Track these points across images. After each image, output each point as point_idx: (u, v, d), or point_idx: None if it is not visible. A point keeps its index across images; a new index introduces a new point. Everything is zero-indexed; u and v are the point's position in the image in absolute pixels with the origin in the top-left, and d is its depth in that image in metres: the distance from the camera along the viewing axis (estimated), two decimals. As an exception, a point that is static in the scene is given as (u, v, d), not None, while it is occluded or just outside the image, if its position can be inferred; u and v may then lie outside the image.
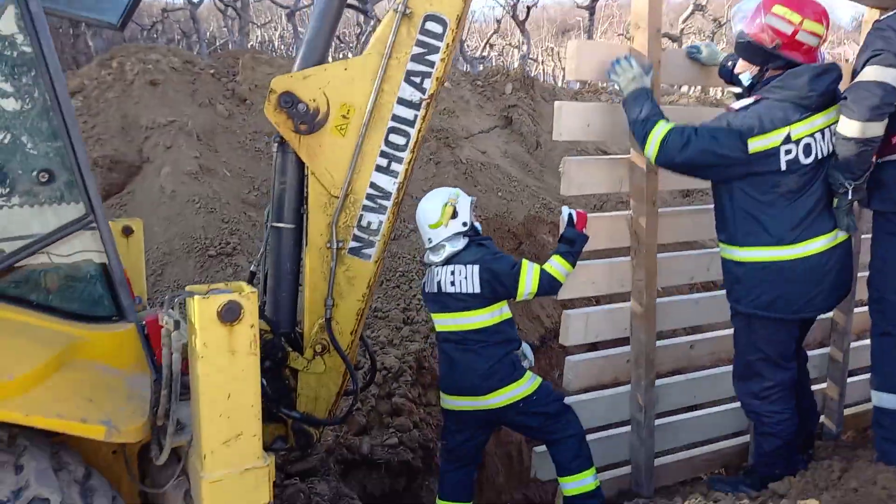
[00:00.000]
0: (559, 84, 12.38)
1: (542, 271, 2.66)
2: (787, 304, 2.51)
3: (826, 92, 2.42)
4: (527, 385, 2.73)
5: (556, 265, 2.66)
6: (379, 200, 2.65)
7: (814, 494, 2.39)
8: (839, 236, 2.50)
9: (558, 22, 30.36)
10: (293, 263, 2.64)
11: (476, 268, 2.70)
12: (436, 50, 2.53)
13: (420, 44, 2.52)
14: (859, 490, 2.25)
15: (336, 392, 2.72)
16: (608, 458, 3.11)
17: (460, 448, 2.89)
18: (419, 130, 2.62)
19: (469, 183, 6.27)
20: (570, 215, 2.70)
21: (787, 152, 2.38)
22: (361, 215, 2.63)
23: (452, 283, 2.74)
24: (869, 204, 2.57)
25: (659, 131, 2.43)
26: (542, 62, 19.36)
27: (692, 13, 13.14)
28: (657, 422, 3.08)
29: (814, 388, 3.61)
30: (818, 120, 2.43)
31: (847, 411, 3.86)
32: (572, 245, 2.67)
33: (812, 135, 2.41)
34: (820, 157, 2.43)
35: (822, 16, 2.40)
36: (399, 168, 2.64)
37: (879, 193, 2.50)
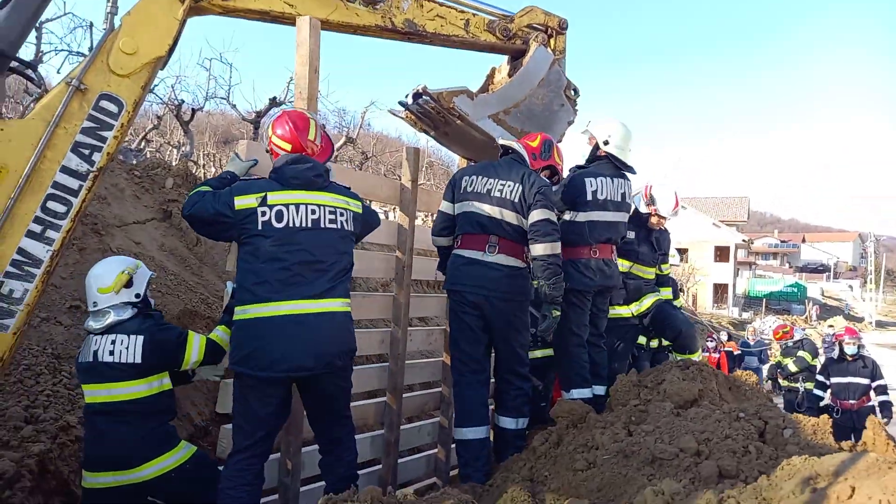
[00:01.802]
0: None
1: (209, 340, 2.82)
2: (258, 360, 2.57)
3: (299, 175, 2.73)
4: (180, 454, 2.76)
5: (222, 334, 2.85)
6: (27, 268, 2.53)
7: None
8: (319, 306, 2.67)
9: (221, 131, 30.62)
10: None
11: (140, 338, 2.70)
12: (109, 127, 2.66)
13: (93, 119, 2.62)
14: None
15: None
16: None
17: None
18: (83, 200, 2.65)
19: (119, 273, 5.91)
20: (233, 289, 2.95)
21: (263, 214, 2.65)
22: (2, 282, 2.46)
23: (111, 353, 2.68)
24: (445, 285, 3.53)
25: (195, 190, 2.75)
26: (204, 166, 19.22)
27: (344, 143, 15.00)
28: (302, 488, 3.36)
29: (427, 452, 4.38)
30: (294, 195, 2.71)
31: (453, 472, 4.73)
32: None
33: (286, 205, 2.69)
34: (293, 226, 2.68)
35: (288, 138, 2.78)
36: (55, 236, 2.61)
37: (450, 277, 3.48)
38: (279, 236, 2.66)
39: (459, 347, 3.38)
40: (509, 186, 3.32)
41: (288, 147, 2.79)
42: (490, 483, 2.89)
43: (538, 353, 4.25)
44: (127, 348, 2.68)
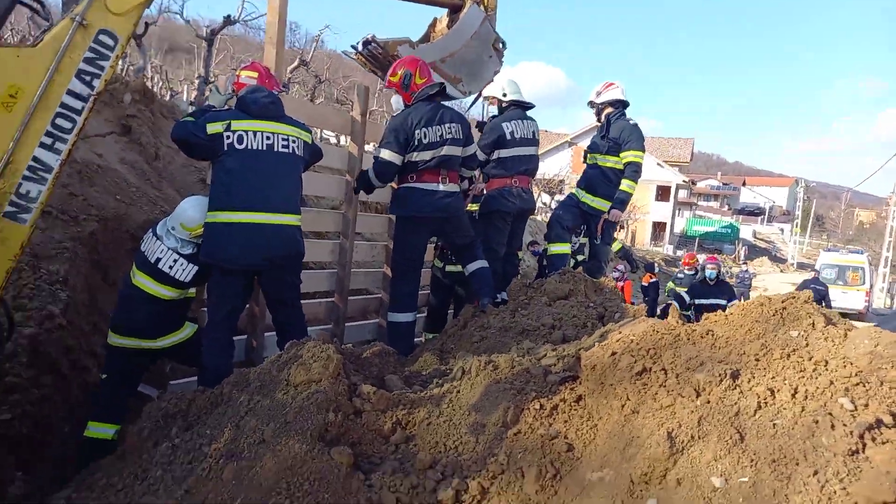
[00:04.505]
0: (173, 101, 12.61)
1: None
2: (221, 255, 3.31)
3: (257, 102, 3.37)
4: (187, 332, 3.59)
5: None
6: (40, 173, 3.10)
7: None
8: (272, 219, 3.35)
9: (168, 41, 29.52)
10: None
11: (195, 269, 3.44)
12: (106, 58, 3.17)
13: (93, 50, 3.12)
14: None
15: (-28, 349, 2.98)
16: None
17: (122, 376, 3.52)
18: (85, 118, 3.20)
19: (85, 184, 6.34)
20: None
21: (227, 137, 3.31)
22: (20, 184, 3.04)
23: (171, 268, 3.40)
24: (407, 212, 4.21)
25: (182, 119, 3.45)
26: (152, 78, 18.87)
27: (297, 66, 15.09)
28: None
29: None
30: (256, 124, 3.37)
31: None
32: None
33: (246, 132, 3.33)
34: (251, 148, 3.31)
35: (255, 67, 3.68)
36: (63, 147, 3.15)
37: (412, 204, 4.13)
38: (239, 156, 3.31)
39: (405, 255, 4.18)
40: (455, 127, 4.00)
41: (255, 75, 3.52)
42: (412, 356, 3.75)
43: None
44: (184, 269, 3.42)
